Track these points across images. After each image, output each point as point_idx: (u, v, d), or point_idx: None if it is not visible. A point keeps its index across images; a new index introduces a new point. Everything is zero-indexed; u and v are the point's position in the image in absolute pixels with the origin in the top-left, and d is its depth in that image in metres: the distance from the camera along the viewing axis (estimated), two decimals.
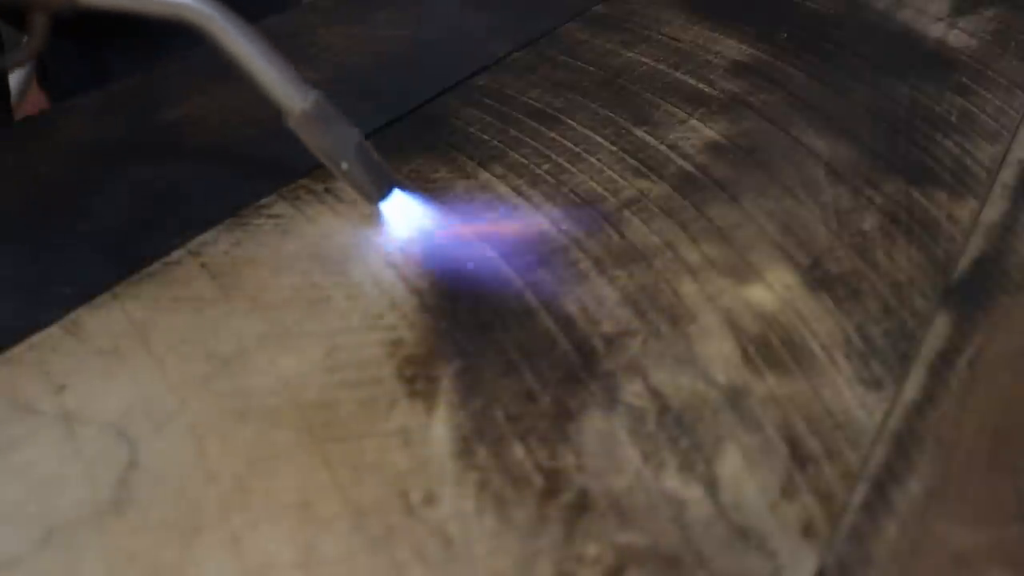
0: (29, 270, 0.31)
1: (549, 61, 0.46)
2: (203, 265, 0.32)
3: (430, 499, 0.25)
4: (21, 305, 0.30)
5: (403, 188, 0.34)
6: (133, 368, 0.28)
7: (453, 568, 0.24)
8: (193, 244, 0.33)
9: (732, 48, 0.49)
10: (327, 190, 0.36)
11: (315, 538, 0.24)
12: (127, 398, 0.27)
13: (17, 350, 0.28)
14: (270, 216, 0.34)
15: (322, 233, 0.34)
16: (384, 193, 0.34)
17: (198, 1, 0.32)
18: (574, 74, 0.45)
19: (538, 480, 0.26)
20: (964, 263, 0.35)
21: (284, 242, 0.33)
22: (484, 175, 0.37)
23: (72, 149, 0.38)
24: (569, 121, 0.41)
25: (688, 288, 0.33)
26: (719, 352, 0.30)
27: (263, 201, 0.35)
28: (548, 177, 0.38)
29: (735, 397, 0.29)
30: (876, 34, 0.52)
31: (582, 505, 0.25)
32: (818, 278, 0.34)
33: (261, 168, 0.37)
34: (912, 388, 0.30)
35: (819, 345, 0.31)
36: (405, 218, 0.34)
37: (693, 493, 0.26)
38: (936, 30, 0.52)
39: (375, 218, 0.34)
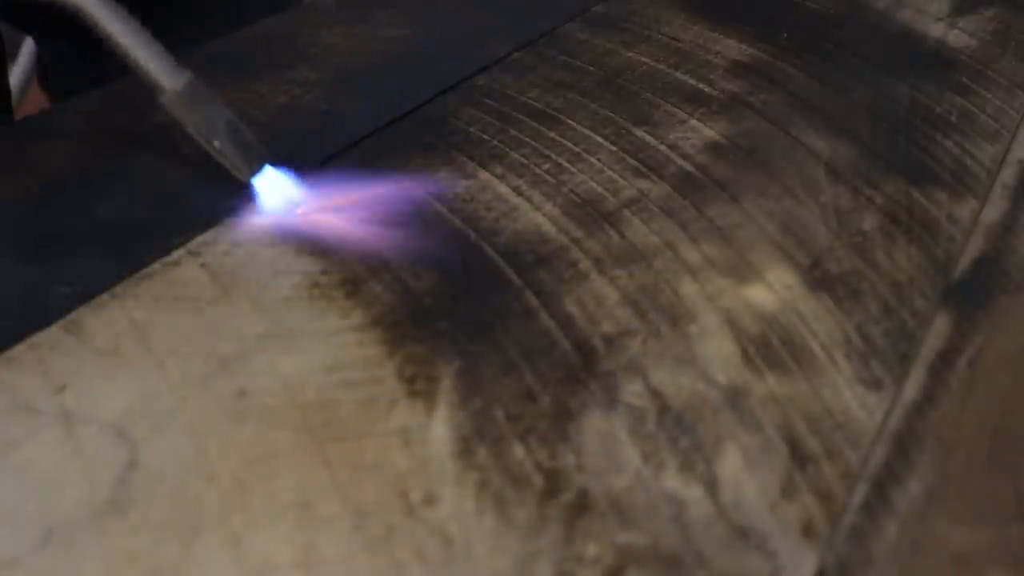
0: (29, 270, 0.31)
1: (549, 61, 0.46)
2: (203, 265, 0.32)
3: (430, 499, 0.25)
4: (21, 305, 0.30)
5: (275, 165, 0.35)
6: (133, 368, 0.28)
7: (453, 568, 0.24)
8: (193, 244, 0.33)
9: (732, 48, 0.49)
10: None
11: (315, 538, 0.24)
12: (127, 398, 0.27)
13: (17, 350, 0.28)
14: (270, 216, 0.34)
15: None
16: (255, 170, 0.35)
17: None
18: (574, 74, 0.45)
19: (538, 480, 0.26)
20: (964, 263, 0.35)
21: (285, 241, 0.33)
22: (484, 175, 0.37)
23: (72, 149, 0.38)
24: (569, 121, 0.41)
25: (688, 288, 0.33)
26: (719, 352, 0.30)
27: None
28: (548, 177, 0.38)
29: (735, 397, 0.29)
30: (876, 34, 0.52)
31: (582, 505, 0.25)
32: (818, 278, 0.34)
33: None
34: (912, 388, 0.30)
35: (819, 345, 0.31)
36: (277, 193, 0.35)
37: (693, 493, 0.26)
38: (936, 30, 0.52)
39: None
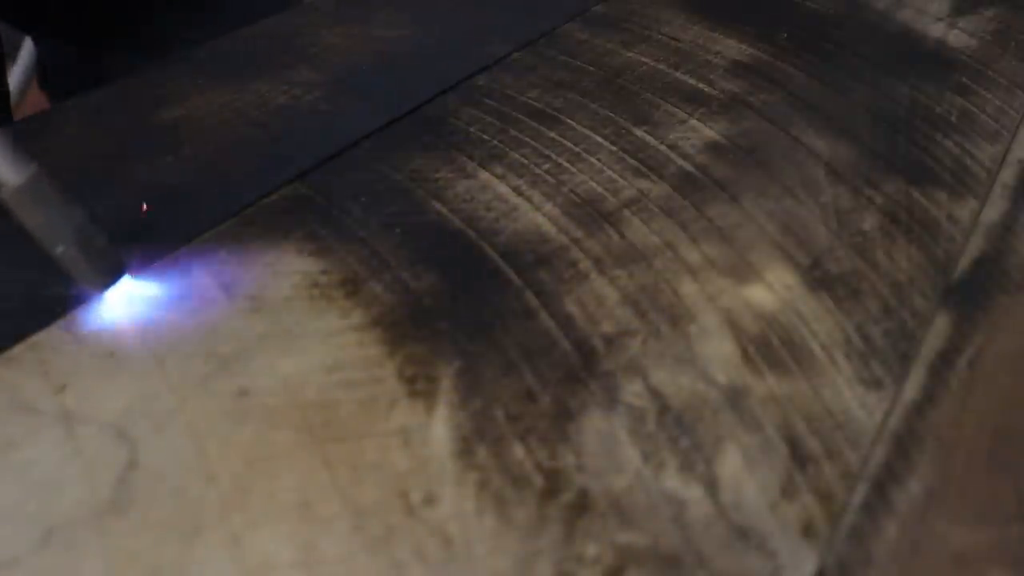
0: (29, 270, 0.31)
1: (549, 61, 0.46)
2: (203, 265, 0.32)
3: (430, 499, 0.25)
4: (21, 305, 0.30)
5: (133, 273, 0.31)
6: (133, 368, 0.28)
7: (453, 568, 0.24)
8: (192, 244, 0.33)
9: (732, 48, 0.49)
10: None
11: (315, 538, 0.24)
12: (127, 398, 0.27)
13: (17, 350, 0.28)
14: (271, 215, 0.34)
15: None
16: (107, 281, 0.31)
17: None
18: (574, 74, 0.45)
19: (538, 480, 0.26)
20: (964, 263, 0.35)
21: (285, 241, 0.33)
22: (484, 175, 0.37)
23: (72, 149, 0.38)
24: (569, 121, 0.41)
25: (688, 288, 0.33)
26: (719, 352, 0.30)
27: (264, 201, 0.35)
28: (548, 177, 0.38)
29: (735, 397, 0.29)
30: (876, 34, 0.52)
31: (582, 505, 0.25)
32: (818, 278, 0.34)
33: (261, 168, 0.37)
34: (912, 388, 0.30)
35: (819, 345, 0.31)
36: (133, 305, 0.31)
37: (693, 493, 0.26)
38: (936, 30, 0.52)
39: None
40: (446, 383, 0.28)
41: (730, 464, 0.27)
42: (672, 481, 0.26)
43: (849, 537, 0.25)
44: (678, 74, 0.46)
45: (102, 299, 0.31)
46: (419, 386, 0.28)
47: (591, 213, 0.36)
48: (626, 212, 0.36)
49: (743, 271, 0.34)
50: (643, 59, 0.47)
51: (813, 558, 0.25)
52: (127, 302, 0.31)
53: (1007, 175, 0.41)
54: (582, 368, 0.29)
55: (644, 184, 0.38)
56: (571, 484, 0.26)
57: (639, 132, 0.41)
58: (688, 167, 0.39)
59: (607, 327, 0.31)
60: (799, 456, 0.27)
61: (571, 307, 0.31)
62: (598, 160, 0.39)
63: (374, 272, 0.32)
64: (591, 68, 0.46)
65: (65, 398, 0.27)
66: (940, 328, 0.32)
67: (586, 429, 0.27)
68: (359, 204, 0.35)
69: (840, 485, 0.26)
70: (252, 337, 0.29)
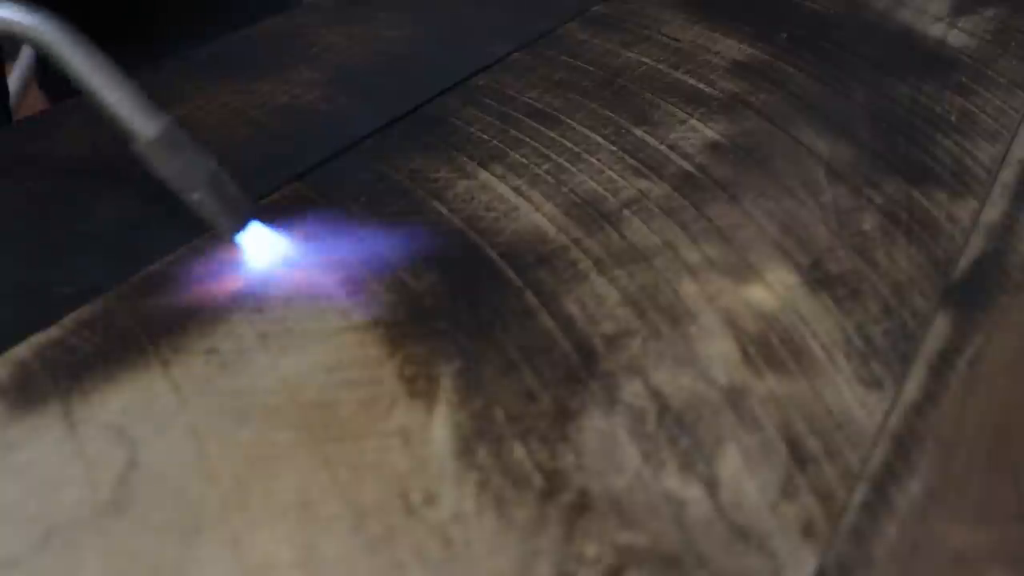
0: (29, 270, 0.32)
1: (549, 61, 0.46)
2: (203, 265, 0.32)
3: (430, 499, 0.25)
4: (21, 305, 0.30)
5: (262, 220, 0.33)
6: (133, 368, 0.28)
7: (453, 568, 0.24)
8: (193, 244, 0.33)
9: (732, 48, 0.49)
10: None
11: (315, 538, 0.24)
12: (127, 398, 0.27)
13: (17, 350, 0.28)
14: (270, 215, 0.34)
15: None
16: (240, 226, 0.32)
17: (35, 18, 0.30)
18: (574, 74, 0.45)
19: (538, 480, 0.26)
20: (964, 263, 0.35)
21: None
22: (484, 175, 0.37)
23: (72, 149, 0.38)
24: (569, 121, 0.41)
25: (688, 288, 0.33)
26: (719, 352, 0.30)
27: (264, 201, 0.35)
28: (548, 177, 0.38)
29: (735, 397, 0.29)
30: (876, 34, 0.52)
31: (582, 505, 0.25)
32: (818, 278, 0.34)
33: (261, 168, 0.37)
34: (912, 388, 0.30)
35: (819, 345, 0.31)
36: (263, 250, 0.32)
37: (693, 493, 0.26)
38: (936, 30, 0.52)
39: None
40: (446, 383, 0.28)
41: (730, 464, 0.27)
42: (672, 481, 0.26)
43: (849, 537, 0.25)
44: (678, 74, 0.46)
45: (236, 244, 0.32)
46: (419, 386, 0.28)
47: (591, 213, 0.36)
48: (626, 212, 0.36)
49: (743, 271, 0.34)
50: (643, 59, 0.47)
51: (813, 558, 0.25)
52: (258, 246, 0.32)
53: (1007, 175, 0.41)
54: (582, 368, 0.29)
55: (644, 184, 0.38)
56: (571, 484, 0.26)
57: (639, 132, 0.41)
58: (688, 167, 0.39)
59: (607, 327, 0.31)
60: (799, 456, 0.27)
61: (571, 307, 0.31)
62: (598, 160, 0.39)
63: (374, 272, 0.32)
64: (591, 68, 0.46)
65: (65, 398, 0.27)
66: (940, 328, 0.32)
67: (586, 429, 0.27)
68: (359, 204, 0.35)
69: (840, 485, 0.26)
70: (252, 337, 0.29)
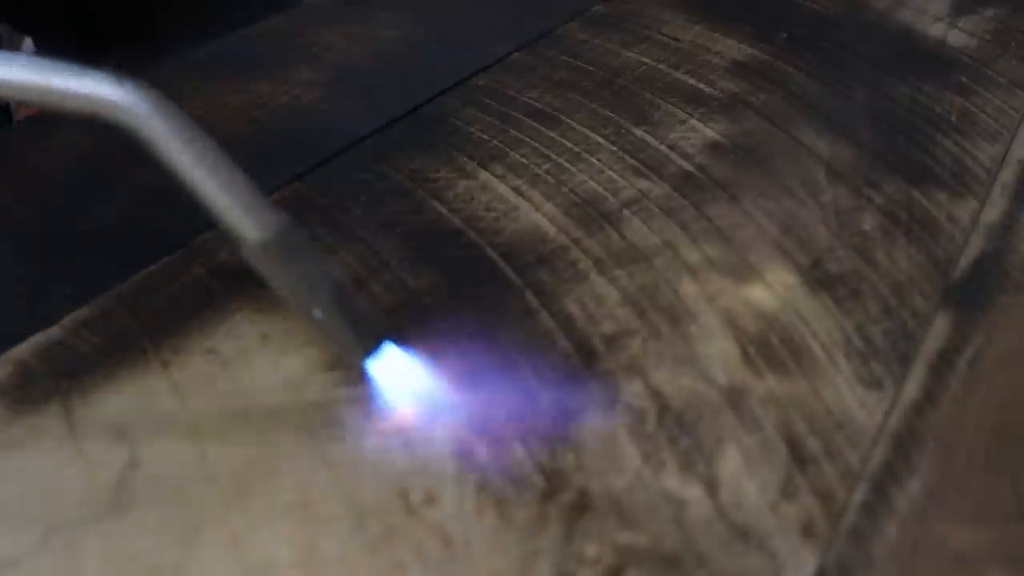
0: (29, 270, 0.32)
1: (549, 61, 0.46)
2: (203, 265, 0.32)
3: (430, 499, 0.25)
4: (21, 305, 0.30)
5: (395, 341, 0.28)
6: (133, 368, 0.28)
7: (453, 568, 0.24)
8: (193, 244, 0.33)
9: (732, 48, 0.49)
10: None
11: (315, 538, 0.24)
12: (127, 398, 0.27)
13: (17, 350, 0.28)
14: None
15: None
16: (371, 348, 0.27)
17: (129, 93, 0.25)
18: (574, 74, 0.45)
19: (538, 480, 0.26)
20: (964, 263, 0.35)
21: None
22: (484, 175, 0.37)
23: (72, 149, 0.38)
24: (569, 121, 0.41)
25: (688, 288, 0.33)
26: (719, 352, 0.30)
27: None
28: (548, 177, 0.38)
29: (735, 397, 0.29)
30: (876, 34, 0.52)
31: (582, 505, 0.25)
32: (818, 278, 0.34)
33: (261, 168, 0.37)
34: (912, 388, 0.30)
35: (819, 345, 0.31)
36: (398, 380, 0.28)
37: (693, 493, 0.26)
38: (936, 30, 0.52)
39: None
40: (446, 383, 0.28)
41: (730, 464, 0.27)
42: (672, 481, 0.26)
43: (849, 537, 0.25)
44: (678, 74, 0.46)
45: (366, 371, 0.27)
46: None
47: (591, 213, 0.36)
48: (626, 212, 0.36)
49: (743, 271, 0.34)
50: (643, 59, 0.47)
51: (813, 558, 0.25)
52: (393, 374, 0.27)
53: (1007, 175, 0.41)
54: (582, 368, 0.29)
55: (644, 184, 0.38)
56: (571, 484, 0.26)
57: (639, 132, 0.41)
58: (688, 167, 0.39)
59: (607, 327, 0.31)
60: (799, 456, 0.27)
61: (571, 307, 0.31)
62: (598, 160, 0.39)
63: (374, 272, 0.32)
64: (591, 68, 0.46)
65: (65, 398, 0.27)
66: (940, 328, 0.32)
67: (586, 429, 0.27)
68: (359, 204, 0.35)
69: (840, 485, 0.26)
70: (252, 337, 0.29)
